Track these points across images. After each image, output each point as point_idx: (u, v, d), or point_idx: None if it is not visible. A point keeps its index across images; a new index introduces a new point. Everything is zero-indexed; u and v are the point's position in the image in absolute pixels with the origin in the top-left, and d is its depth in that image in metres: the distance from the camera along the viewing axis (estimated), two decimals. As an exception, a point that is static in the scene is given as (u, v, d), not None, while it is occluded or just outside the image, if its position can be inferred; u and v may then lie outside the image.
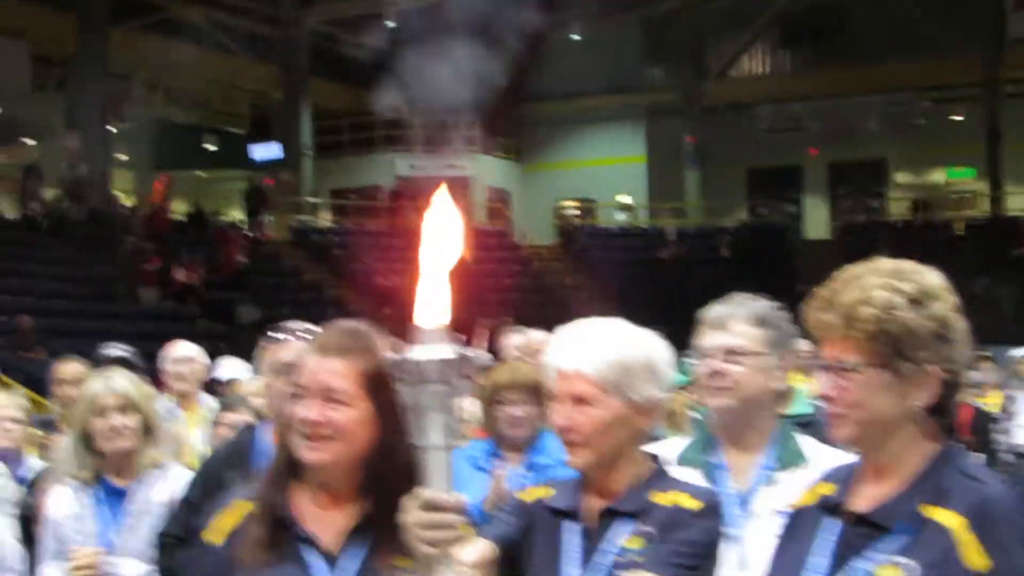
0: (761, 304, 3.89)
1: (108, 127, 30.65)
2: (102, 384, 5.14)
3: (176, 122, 35.79)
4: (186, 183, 34.94)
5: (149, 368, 7.92)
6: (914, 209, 40.11)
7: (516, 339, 7.79)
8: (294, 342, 4.45)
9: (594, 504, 3.10)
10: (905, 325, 2.57)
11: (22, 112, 30.36)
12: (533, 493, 3.22)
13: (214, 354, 9.40)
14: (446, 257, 2.55)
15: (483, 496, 5.09)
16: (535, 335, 7.64)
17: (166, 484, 5.10)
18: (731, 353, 3.81)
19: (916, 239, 34.94)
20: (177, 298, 27.22)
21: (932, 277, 2.67)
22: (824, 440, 3.65)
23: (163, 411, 7.11)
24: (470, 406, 5.96)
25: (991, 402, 13.12)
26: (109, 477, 5.11)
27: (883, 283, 2.61)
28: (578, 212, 41.72)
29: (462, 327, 2.58)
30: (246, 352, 7.46)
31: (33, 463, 6.43)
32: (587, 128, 41.30)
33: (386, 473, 2.90)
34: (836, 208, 41.76)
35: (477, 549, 2.92)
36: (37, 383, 14.19)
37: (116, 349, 7.58)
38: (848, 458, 3.64)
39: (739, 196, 41.84)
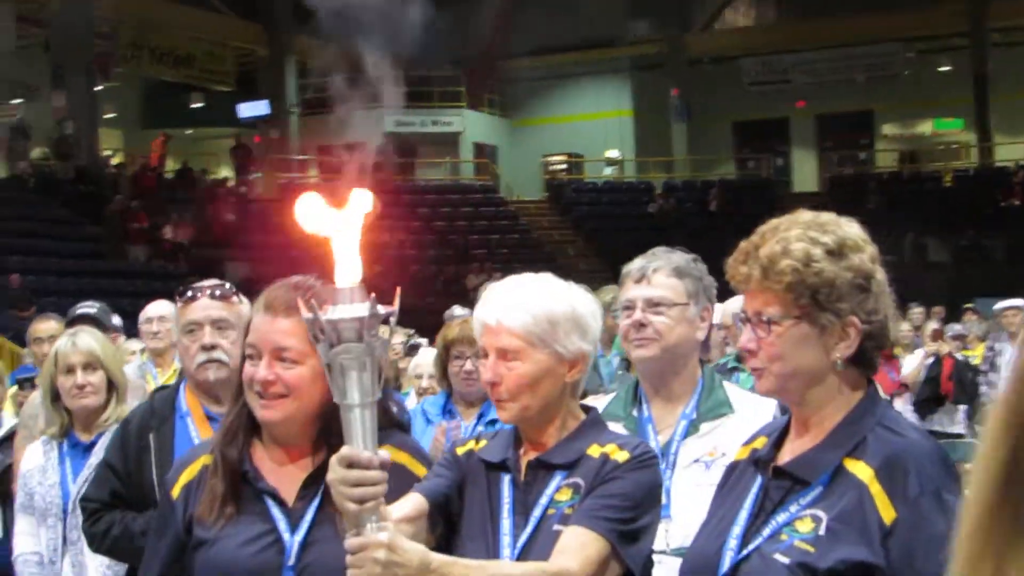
0: (681, 256, 3.96)
1: (94, 86, 30.55)
2: (68, 342, 5.23)
3: (163, 80, 35.65)
4: (174, 141, 34.85)
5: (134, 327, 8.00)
6: (902, 161, 40.04)
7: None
8: (201, 300, 4.43)
9: (527, 457, 3.11)
10: (823, 276, 2.57)
11: (7, 71, 30.23)
12: (466, 446, 3.24)
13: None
14: (350, 216, 2.62)
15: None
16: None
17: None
18: (653, 304, 3.87)
19: (905, 191, 34.99)
20: (166, 256, 27.21)
21: (852, 228, 2.67)
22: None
23: (137, 368, 7.23)
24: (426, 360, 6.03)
25: (976, 353, 13.19)
26: (76, 432, 5.23)
27: (802, 235, 2.61)
28: (565, 167, 41.53)
29: (379, 285, 2.62)
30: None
31: (6, 420, 6.55)
32: (573, 82, 41.08)
33: (339, 426, 2.91)
34: (824, 161, 41.68)
35: (406, 504, 2.97)
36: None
37: (85, 307, 7.63)
38: (770, 405, 3.74)
39: (726, 149, 41.71)
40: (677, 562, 2.92)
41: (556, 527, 2.96)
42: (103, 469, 4.54)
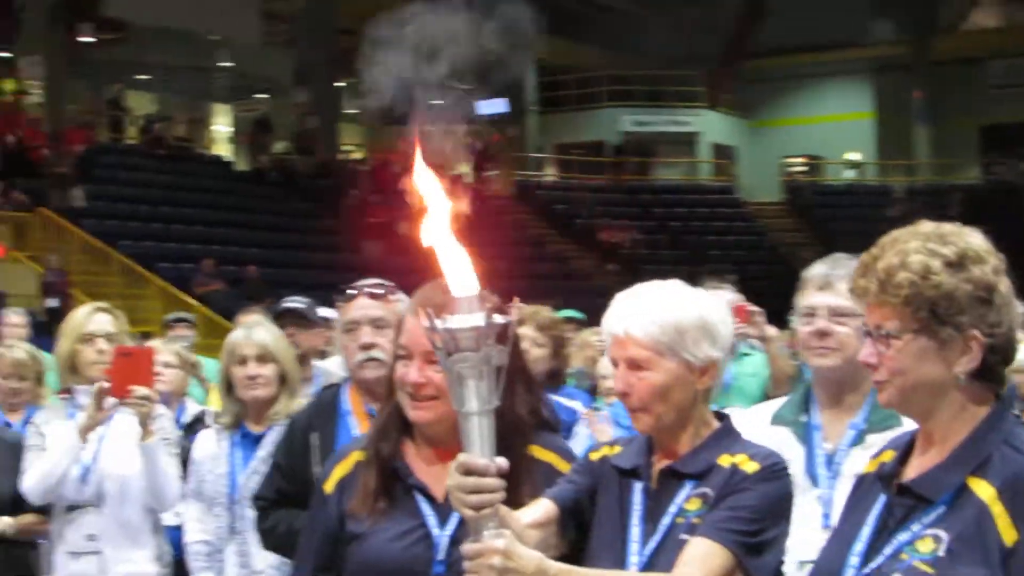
0: None
1: (336, 82, 31.28)
2: (243, 334, 5.34)
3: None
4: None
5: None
6: None
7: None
8: (361, 299, 4.45)
9: (660, 464, 3.08)
10: (942, 289, 2.50)
11: (252, 67, 31.16)
12: (600, 452, 3.21)
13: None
14: (447, 224, 2.60)
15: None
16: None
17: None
18: (837, 314, 3.78)
19: None
20: (401, 252, 27.67)
21: (975, 239, 2.57)
22: None
23: (333, 367, 7.16)
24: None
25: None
26: (247, 423, 5.34)
27: (920, 247, 2.54)
28: (805, 169, 41.08)
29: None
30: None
31: (191, 407, 6.70)
32: (813, 84, 40.64)
33: None
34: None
35: (536, 509, 2.95)
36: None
37: (292, 302, 7.65)
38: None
39: (971, 153, 40.60)
40: None
41: (683, 536, 2.92)
42: (271, 467, 4.66)
